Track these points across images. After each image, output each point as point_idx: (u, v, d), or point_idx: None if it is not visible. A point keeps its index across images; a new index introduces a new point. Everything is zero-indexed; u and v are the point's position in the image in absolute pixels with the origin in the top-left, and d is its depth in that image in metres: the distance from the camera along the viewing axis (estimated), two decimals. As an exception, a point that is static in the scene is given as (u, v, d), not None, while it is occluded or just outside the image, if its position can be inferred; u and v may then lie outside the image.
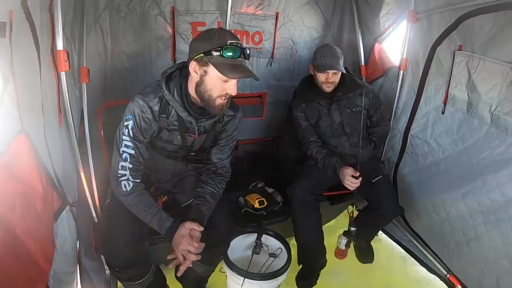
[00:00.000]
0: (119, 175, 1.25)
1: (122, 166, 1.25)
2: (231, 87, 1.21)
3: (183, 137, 1.36)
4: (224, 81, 1.20)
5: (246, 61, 1.21)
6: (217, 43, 1.16)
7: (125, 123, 1.24)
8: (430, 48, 1.75)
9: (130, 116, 1.24)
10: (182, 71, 1.29)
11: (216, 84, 1.20)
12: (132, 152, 1.25)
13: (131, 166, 1.25)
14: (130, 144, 1.24)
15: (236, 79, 1.21)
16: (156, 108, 1.27)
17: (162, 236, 1.29)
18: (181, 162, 1.46)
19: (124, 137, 1.24)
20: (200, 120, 1.32)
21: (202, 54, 1.17)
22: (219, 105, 1.25)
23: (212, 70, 1.18)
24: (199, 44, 1.19)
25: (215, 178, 1.47)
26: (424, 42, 1.79)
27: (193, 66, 1.20)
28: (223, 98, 1.24)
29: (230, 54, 1.15)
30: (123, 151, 1.25)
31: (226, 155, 1.49)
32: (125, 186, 1.25)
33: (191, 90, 1.26)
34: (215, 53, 1.15)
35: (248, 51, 1.19)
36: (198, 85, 1.23)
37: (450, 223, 1.73)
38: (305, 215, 1.77)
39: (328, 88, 1.80)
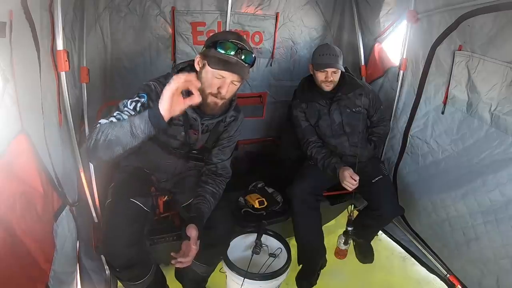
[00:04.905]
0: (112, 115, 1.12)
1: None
2: (223, 85, 1.18)
3: (186, 133, 1.36)
4: (218, 78, 1.18)
5: (245, 64, 1.18)
6: (217, 38, 1.19)
7: (136, 98, 1.17)
8: (430, 48, 1.75)
9: (145, 95, 1.19)
10: (193, 67, 1.28)
11: (209, 79, 1.18)
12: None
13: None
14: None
15: (230, 79, 1.18)
16: None
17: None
18: (182, 160, 1.46)
19: (128, 107, 1.15)
20: (204, 118, 1.32)
21: (205, 48, 1.21)
22: (210, 102, 1.22)
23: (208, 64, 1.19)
24: (208, 39, 1.25)
25: (215, 178, 1.47)
26: (424, 42, 1.79)
27: (197, 59, 1.24)
28: (215, 96, 1.21)
29: (222, 48, 1.15)
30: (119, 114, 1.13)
31: (227, 156, 1.50)
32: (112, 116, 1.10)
33: None
34: (212, 48, 1.17)
35: (245, 54, 1.16)
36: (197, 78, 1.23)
37: (450, 223, 1.72)
38: (305, 215, 1.77)
39: (327, 87, 1.80)
